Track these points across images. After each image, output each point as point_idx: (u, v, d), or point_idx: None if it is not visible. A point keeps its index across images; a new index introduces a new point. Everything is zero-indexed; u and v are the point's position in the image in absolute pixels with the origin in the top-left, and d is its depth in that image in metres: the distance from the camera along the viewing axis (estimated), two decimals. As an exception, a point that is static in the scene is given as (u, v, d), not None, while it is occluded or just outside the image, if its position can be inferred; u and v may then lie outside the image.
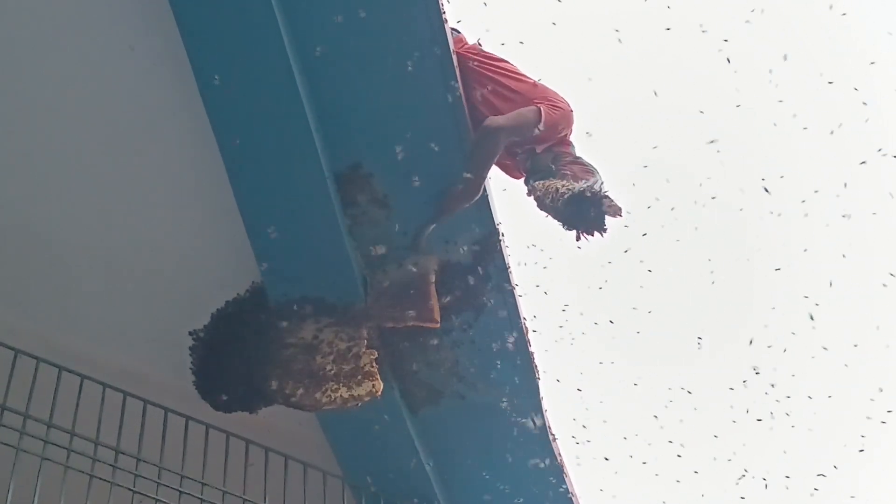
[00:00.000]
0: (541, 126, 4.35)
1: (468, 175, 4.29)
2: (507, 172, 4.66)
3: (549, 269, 5.29)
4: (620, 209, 4.17)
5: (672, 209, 5.77)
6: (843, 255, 7.03)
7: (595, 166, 4.44)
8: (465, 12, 4.62)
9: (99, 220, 4.58)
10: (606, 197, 4.17)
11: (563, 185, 4.22)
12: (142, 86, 4.18)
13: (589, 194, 4.15)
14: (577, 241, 4.21)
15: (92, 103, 4.23)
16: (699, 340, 6.22)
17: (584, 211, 4.14)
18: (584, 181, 4.24)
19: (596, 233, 4.17)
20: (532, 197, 4.37)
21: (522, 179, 4.55)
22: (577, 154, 4.52)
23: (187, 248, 4.69)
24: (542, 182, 4.32)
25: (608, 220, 4.17)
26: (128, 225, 4.59)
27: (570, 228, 4.20)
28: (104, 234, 4.62)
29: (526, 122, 4.36)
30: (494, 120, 4.33)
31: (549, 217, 4.29)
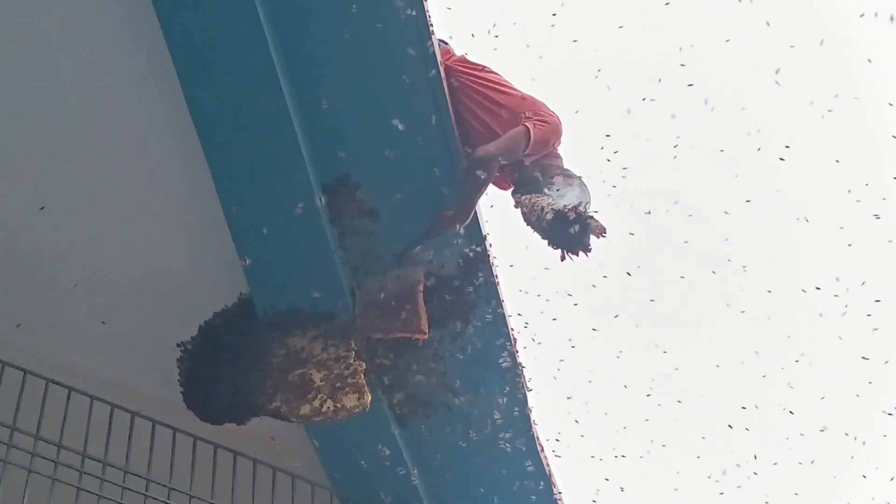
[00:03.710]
0: (531, 145, 4.35)
1: (459, 202, 4.30)
2: (495, 184, 4.65)
3: (540, 278, 5.31)
4: (605, 229, 4.15)
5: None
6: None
7: (582, 178, 4.44)
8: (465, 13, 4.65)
9: (87, 232, 4.58)
10: (591, 218, 4.14)
11: (548, 204, 4.20)
12: (131, 100, 4.18)
13: (573, 215, 4.13)
14: (562, 260, 4.19)
15: (82, 117, 4.23)
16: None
17: (568, 231, 4.12)
18: (569, 200, 4.22)
19: (581, 253, 4.15)
20: (518, 210, 4.37)
21: (510, 191, 4.55)
22: (566, 166, 4.52)
23: (175, 260, 4.69)
24: (528, 197, 4.31)
25: (592, 239, 4.15)
26: (116, 237, 4.59)
27: (554, 247, 4.19)
28: (91, 245, 4.61)
29: (516, 145, 4.36)
30: (485, 149, 4.31)
31: (535, 233, 4.29)
